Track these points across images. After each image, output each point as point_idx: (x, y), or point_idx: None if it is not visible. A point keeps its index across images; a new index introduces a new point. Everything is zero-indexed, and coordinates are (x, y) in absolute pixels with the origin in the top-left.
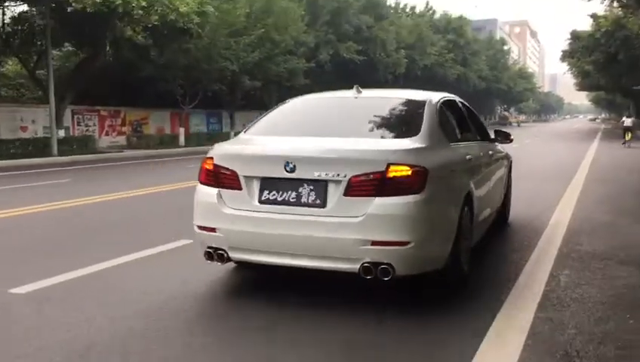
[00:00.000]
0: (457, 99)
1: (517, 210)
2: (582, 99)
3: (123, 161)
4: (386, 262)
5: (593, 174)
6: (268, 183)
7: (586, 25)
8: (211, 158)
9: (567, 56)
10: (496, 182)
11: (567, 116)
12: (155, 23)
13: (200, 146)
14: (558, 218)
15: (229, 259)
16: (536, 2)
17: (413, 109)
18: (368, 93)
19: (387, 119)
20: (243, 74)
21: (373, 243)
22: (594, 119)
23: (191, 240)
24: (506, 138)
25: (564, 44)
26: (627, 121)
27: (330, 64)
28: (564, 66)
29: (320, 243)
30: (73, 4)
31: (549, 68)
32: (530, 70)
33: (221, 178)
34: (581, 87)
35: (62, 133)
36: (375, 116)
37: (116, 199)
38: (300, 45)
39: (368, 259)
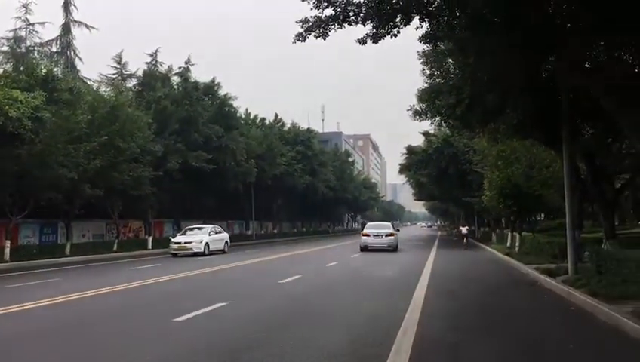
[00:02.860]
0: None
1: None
2: (420, 207)
3: None
4: (392, 247)
5: (435, 287)
6: (374, 235)
7: (420, 140)
8: (365, 231)
9: (404, 169)
10: (396, 238)
11: (408, 223)
12: None
13: (29, 261)
14: (400, 344)
15: (367, 249)
16: (376, 118)
17: (388, 224)
18: (381, 223)
19: (386, 226)
20: (83, 182)
21: (389, 245)
22: (430, 226)
23: None
24: (397, 230)
25: (401, 157)
26: (463, 230)
27: (180, 172)
28: (403, 178)
29: (384, 244)
30: None
31: (390, 178)
32: (373, 180)
33: (367, 234)
34: (418, 197)
35: None
36: (385, 227)
37: None
38: (146, 153)
39: (391, 248)
